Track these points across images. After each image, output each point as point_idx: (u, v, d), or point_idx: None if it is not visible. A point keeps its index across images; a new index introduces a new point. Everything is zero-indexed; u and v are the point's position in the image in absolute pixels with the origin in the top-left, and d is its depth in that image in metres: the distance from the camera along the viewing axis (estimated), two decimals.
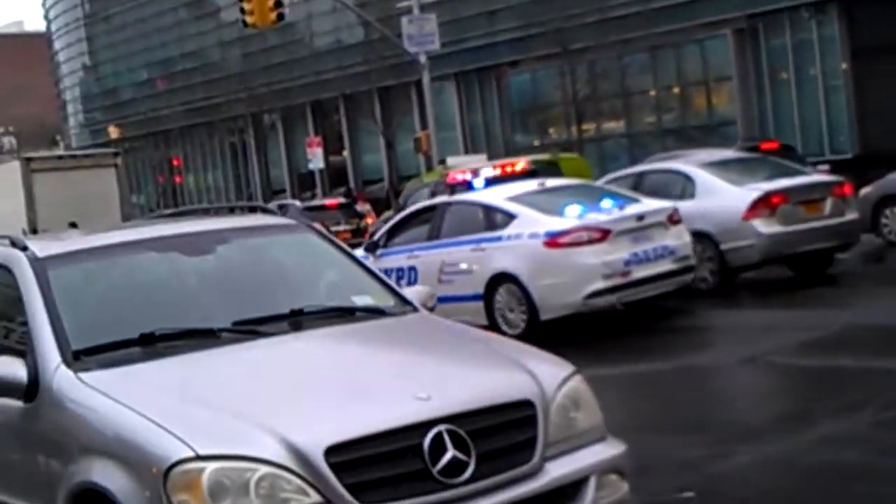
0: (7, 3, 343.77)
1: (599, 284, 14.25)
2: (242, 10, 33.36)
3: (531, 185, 16.92)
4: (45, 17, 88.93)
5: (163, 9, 71.07)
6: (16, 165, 36.37)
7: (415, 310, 6.79)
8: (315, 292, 6.99)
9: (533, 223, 14.90)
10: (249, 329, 6.22)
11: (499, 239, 15.07)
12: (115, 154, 38.49)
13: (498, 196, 16.20)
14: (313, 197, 50.36)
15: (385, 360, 5.99)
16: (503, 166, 23.87)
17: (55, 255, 6.70)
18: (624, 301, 14.99)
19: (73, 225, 30.33)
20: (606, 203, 15.25)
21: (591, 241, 14.47)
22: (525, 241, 14.77)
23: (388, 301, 6.86)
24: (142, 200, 76.70)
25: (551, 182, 17.33)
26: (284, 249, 7.35)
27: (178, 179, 74.34)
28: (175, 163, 73.46)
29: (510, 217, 15.26)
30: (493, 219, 15.53)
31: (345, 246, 7.39)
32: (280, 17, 33.88)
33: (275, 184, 65.37)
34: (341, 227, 33.98)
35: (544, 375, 5.74)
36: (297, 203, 41.16)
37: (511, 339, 6.42)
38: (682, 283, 15.51)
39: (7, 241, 7.02)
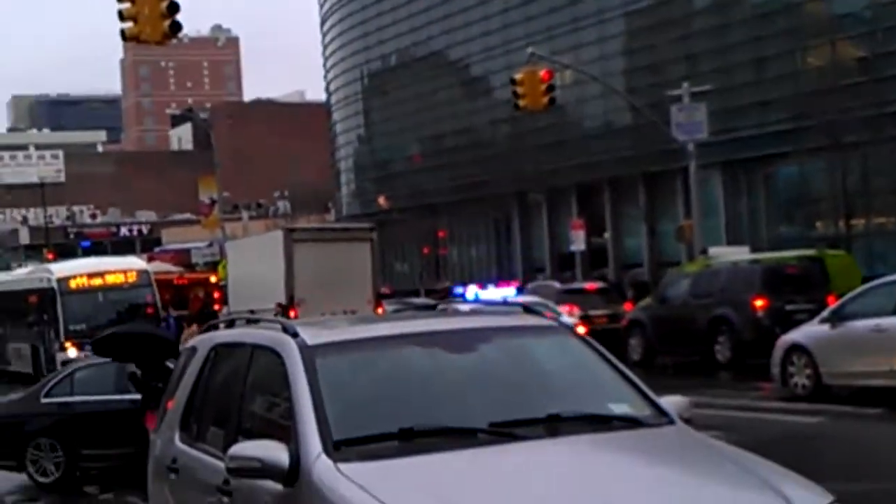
0: (291, 73, 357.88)
1: None
2: (515, 94, 33.83)
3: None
4: (326, 89, 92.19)
5: (438, 86, 72.79)
6: (279, 235, 37.67)
7: (671, 421, 6.68)
8: (572, 397, 6.96)
9: None
10: (506, 431, 6.25)
11: None
12: (371, 229, 39.27)
13: None
14: (573, 279, 50.43)
15: (638, 476, 5.91)
16: None
17: (324, 343, 6.89)
18: None
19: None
20: None
21: None
22: None
23: (644, 410, 6.77)
24: (405, 269, 78.33)
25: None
26: (544, 351, 7.36)
27: (442, 251, 75.61)
28: (440, 235, 74.75)
29: None
30: None
31: (603, 350, 7.37)
32: (552, 101, 34.21)
33: (536, 262, 65.76)
34: (599, 312, 33.87)
35: (801, 503, 5.60)
36: (557, 284, 41.28)
37: (766, 459, 6.23)
38: None
39: (279, 326, 7.31)
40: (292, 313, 33.57)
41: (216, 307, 43.32)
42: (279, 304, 31.97)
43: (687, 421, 6.83)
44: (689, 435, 6.62)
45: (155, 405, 14.12)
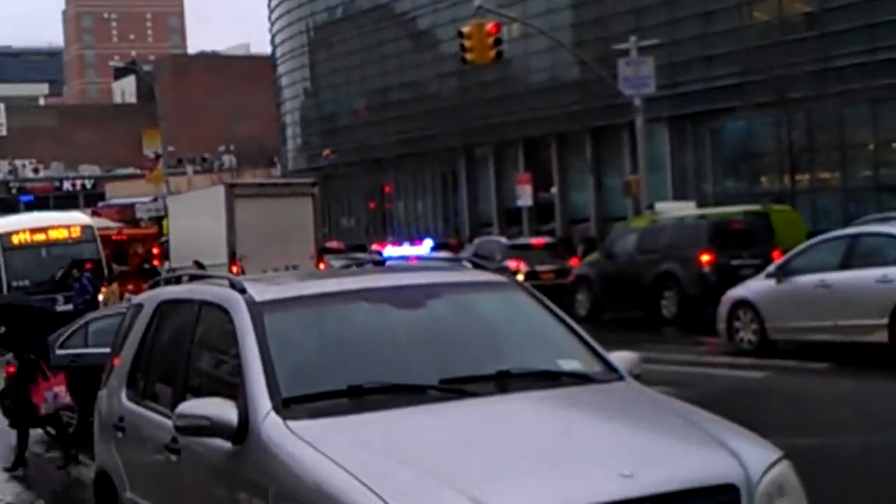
0: (235, 26, 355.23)
1: None
2: (463, 47, 33.73)
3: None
4: (272, 41, 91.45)
5: (384, 39, 72.39)
6: (220, 190, 37.75)
7: (620, 377, 6.68)
8: (521, 353, 6.95)
9: None
10: (456, 388, 6.22)
11: None
12: (313, 184, 39.60)
13: None
14: (519, 234, 50.50)
15: (589, 431, 5.91)
16: None
17: (272, 300, 6.81)
18: None
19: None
20: None
21: None
22: None
23: (593, 366, 6.76)
24: (352, 224, 78.12)
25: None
26: (494, 307, 7.33)
27: (388, 206, 75.48)
28: (386, 190, 74.57)
29: None
30: None
31: (553, 306, 7.34)
32: (499, 55, 34.16)
33: (482, 217, 65.74)
34: (546, 267, 33.93)
35: (750, 458, 5.57)
36: (503, 240, 41.31)
37: (715, 415, 6.24)
38: None
39: (226, 282, 7.21)
40: (234, 268, 33.88)
41: (155, 263, 43.35)
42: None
43: (636, 377, 6.84)
44: (639, 391, 6.63)
45: (31, 378, 14.07)
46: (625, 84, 37.95)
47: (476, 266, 8.05)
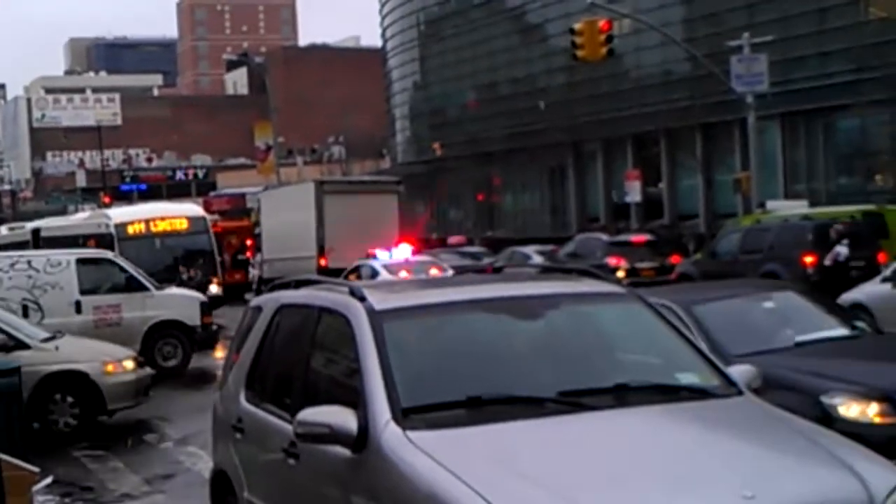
0: (346, 19, 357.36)
1: None
2: (574, 45, 33.59)
3: None
4: (382, 35, 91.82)
5: (494, 33, 72.24)
6: (310, 186, 39.40)
7: (739, 392, 6.60)
8: (639, 366, 6.92)
9: None
10: (574, 401, 6.20)
11: None
12: (398, 182, 41.31)
13: None
14: (621, 231, 50.22)
15: (709, 448, 5.84)
16: None
17: (392, 308, 6.84)
18: None
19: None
20: None
21: None
22: None
23: (712, 380, 6.69)
24: (460, 216, 78.28)
25: None
26: (612, 319, 7.28)
27: (496, 199, 75.49)
28: (495, 182, 74.57)
29: None
30: None
31: (671, 319, 7.30)
32: (610, 52, 33.96)
33: (590, 212, 65.44)
34: (646, 265, 33.62)
35: (873, 481, 5.48)
36: (604, 237, 41.03)
37: (838, 434, 6.16)
38: None
39: (346, 289, 7.23)
40: (322, 261, 35.12)
41: (248, 254, 44.79)
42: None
43: (755, 391, 6.76)
44: (759, 406, 6.55)
45: None
46: (737, 81, 37.55)
47: (592, 276, 7.99)
